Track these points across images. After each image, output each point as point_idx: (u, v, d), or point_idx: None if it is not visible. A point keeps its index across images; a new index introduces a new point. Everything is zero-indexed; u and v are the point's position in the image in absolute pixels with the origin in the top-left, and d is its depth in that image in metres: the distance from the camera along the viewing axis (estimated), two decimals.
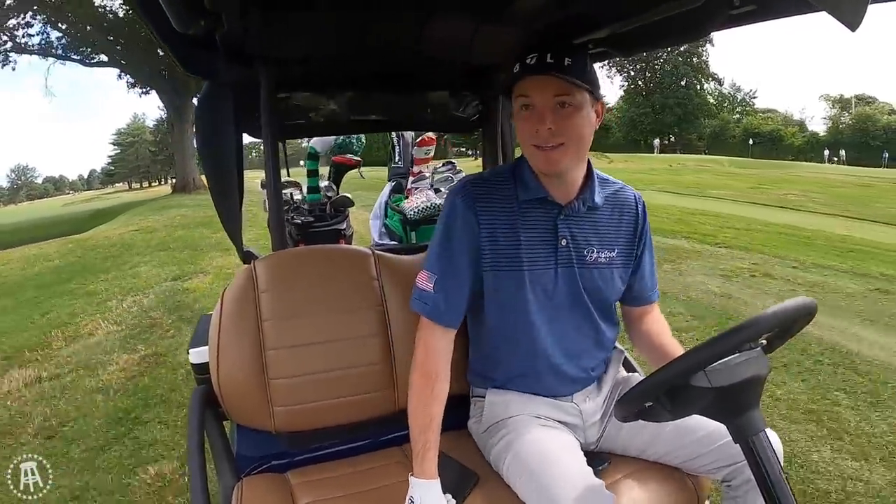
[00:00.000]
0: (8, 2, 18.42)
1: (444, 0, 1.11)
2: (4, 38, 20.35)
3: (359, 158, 3.81)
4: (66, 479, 2.02)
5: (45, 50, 21.38)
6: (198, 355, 1.28)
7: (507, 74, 1.08)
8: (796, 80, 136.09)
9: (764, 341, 0.80)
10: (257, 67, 1.25)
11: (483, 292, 1.03)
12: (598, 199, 1.04)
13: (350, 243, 3.31)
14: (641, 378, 0.99)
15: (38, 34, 20.86)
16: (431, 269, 1.01)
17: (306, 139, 4.40)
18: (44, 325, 3.96)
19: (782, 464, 0.80)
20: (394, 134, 3.83)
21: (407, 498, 0.91)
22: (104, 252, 7.01)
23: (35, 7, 19.23)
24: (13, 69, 21.35)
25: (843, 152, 35.37)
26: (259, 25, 1.08)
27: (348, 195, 3.39)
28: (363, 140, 3.83)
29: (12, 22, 20.12)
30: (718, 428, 0.84)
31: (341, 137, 3.60)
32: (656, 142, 37.80)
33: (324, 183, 3.57)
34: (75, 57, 22.33)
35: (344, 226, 3.31)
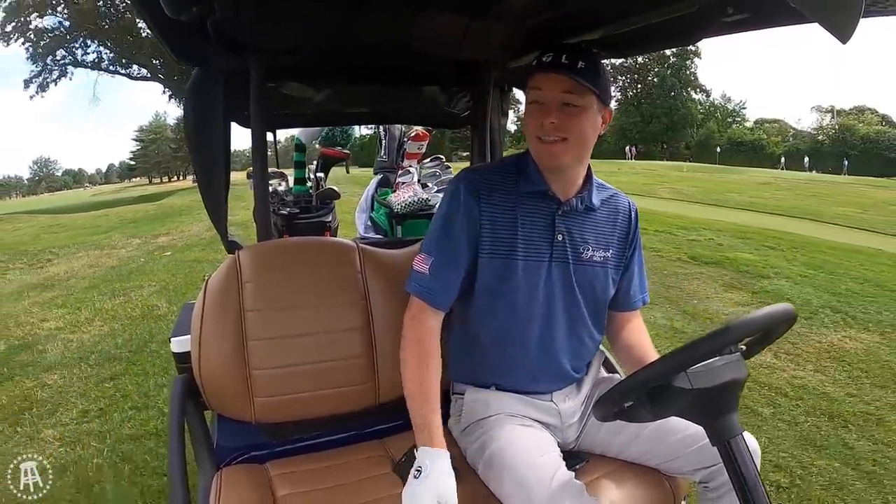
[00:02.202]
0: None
1: None
2: (63, 53, 25.39)
3: (347, 151, 3.83)
4: (196, 248, 6.40)
5: (96, 65, 26.34)
6: (179, 344, 1.28)
7: (498, 69, 1.31)
8: (805, 91, 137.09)
9: (744, 346, 0.80)
10: (247, 56, 1.25)
11: (476, 279, 1.03)
12: (595, 200, 1.06)
13: (335, 235, 3.35)
14: (622, 379, 1.01)
15: (93, 52, 25.93)
16: (429, 252, 1.01)
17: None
18: (165, 228, 8.34)
19: (759, 468, 0.81)
20: (381, 127, 3.78)
21: (413, 469, 0.87)
22: (177, 209, 11.56)
23: (92, 34, 24.16)
24: (70, 79, 26.54)
25: (807, 160, 37.57)
26: (250, 14, 1.08)
27: (335, 187, 3.40)
28: (349, 132, 3.83)
29: (73, 44, 25.21)
30: (697, 430, 0.83)
31: (326, 129, 3.63)
32: (627, 149, 39.87)
33: (319, 174, 3.61)
34: (122, 71, 27.21)
35: (329, 218, 3.32)
